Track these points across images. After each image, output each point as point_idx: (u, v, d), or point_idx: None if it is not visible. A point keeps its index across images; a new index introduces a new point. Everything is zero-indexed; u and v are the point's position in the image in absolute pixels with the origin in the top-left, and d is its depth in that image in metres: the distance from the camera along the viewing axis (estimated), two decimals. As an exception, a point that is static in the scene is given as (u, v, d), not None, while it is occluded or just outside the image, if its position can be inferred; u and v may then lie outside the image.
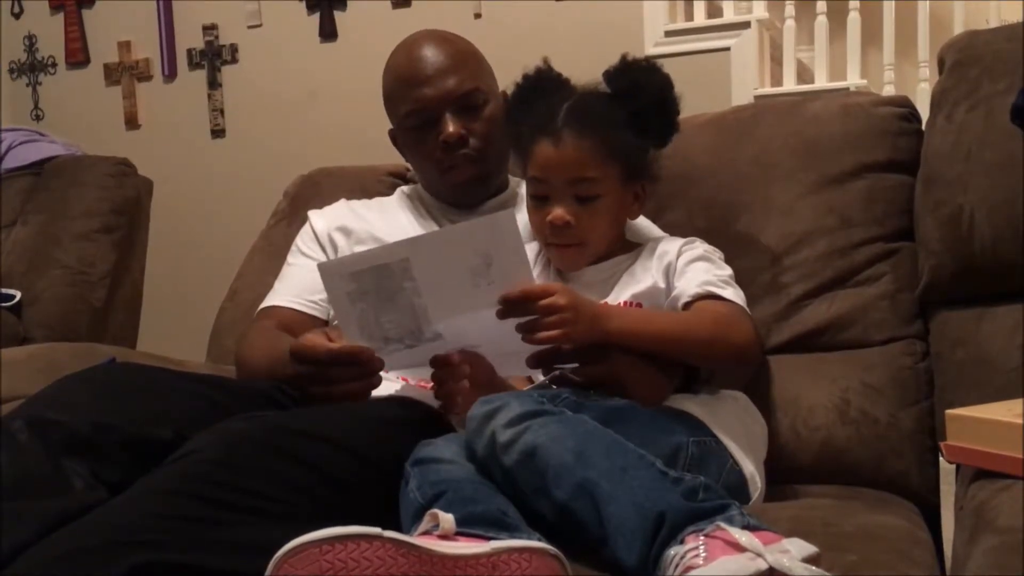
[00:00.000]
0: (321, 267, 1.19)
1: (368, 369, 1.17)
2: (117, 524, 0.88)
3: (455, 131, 1.43)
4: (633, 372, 1.13)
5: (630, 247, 1.34)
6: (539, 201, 1.28)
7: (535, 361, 1.13)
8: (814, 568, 0.80)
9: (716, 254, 1.31)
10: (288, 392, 1.25)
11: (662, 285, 1.26)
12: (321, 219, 1.56)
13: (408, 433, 1.10)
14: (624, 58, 1.30)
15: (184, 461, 0.96)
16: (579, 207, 1.25)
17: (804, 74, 3.63)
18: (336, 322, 1.29)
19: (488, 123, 1.46)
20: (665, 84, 1.29)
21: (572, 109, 1.25)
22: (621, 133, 1.25)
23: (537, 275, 1.34)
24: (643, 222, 1.45)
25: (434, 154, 1.46)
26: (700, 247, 1.30)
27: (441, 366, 1.17)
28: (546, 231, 1.28)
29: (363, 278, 1.14)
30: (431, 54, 1.46)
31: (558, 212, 1.25)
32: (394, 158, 1.66)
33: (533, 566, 0.85)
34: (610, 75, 1.29)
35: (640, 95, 1.26)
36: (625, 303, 1.26)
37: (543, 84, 1.32)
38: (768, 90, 3.39)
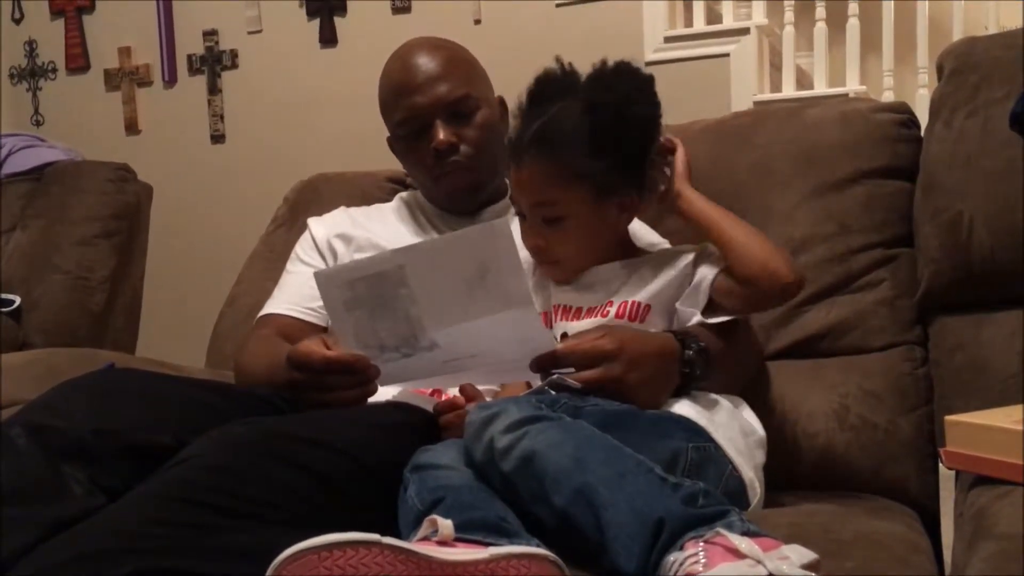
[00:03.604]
0: (317, 275, 1.19)
1: (364, 377, 1.17)
2: (116, 530, 0.88)
3: (445, 139, 1.43)
4: (630, 376, 1.12)
5: (637, 252, 1.34)
6: (520, 218, 1.30)
7: (537, 366, 1.13)
8: (813, 575, 0.80)
9: None
10: (287, 398, 1.25)
11: (675, 286, 1.25)
12: (321, 226, 1.56)
13: (406, 439, 1.10)
14: (600, 66, 1.26)
15: (183, 467, 0.96)
16: (547, 229, 1.26)
17: (803, 80, 3.64)
18: (333, 330, 1.29)
19: (480, 130, 1.46)
20: (632, 91, 1.23)
21: (537, 132, 1.23)
22: (590, 152, 1.21)
23: (536, 281, 1.35)
24: (641, 229, 1.44)
25: (427, 162, 1.46)
26: (715, 250, 1.29)
27: (447, 410, 1.18)
28: (527, 249, 1.29)
29: (359, 286, 1.13)
30: (422, 62, 1.46)
31: (529, 237, 1.28)
32: (393, 163, 1.66)
33: (532, 572, 0.85)
34: (585, 85, 1.25)
35: (611, 105, 1.21)
36: (634, 303, 1.25)
37: (546, 91, 1.28)
38: (767, 96, 3.40)
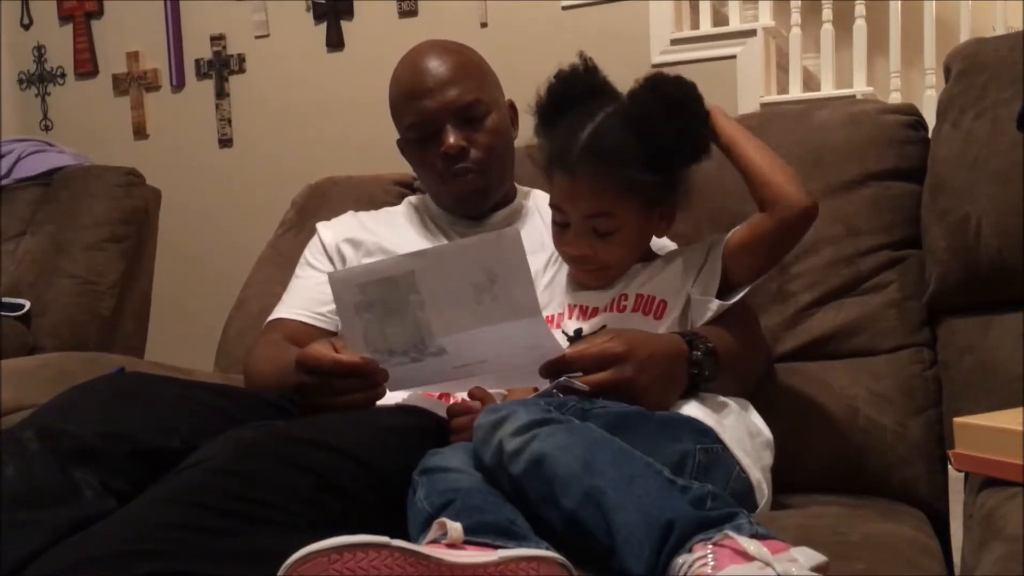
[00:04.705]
0: (331, 277, 1.19)
1: (373, 380, 1.18)
2: (126, 533, 0.88)
3: (455, 143, 1.44)
4: (640, 377, 1.13)
5: (655, 255, 1.34)
6: (561, 228, 1.28)
7: (546, 370, 1.13)
8: (822, 577, 0.80)
9: None
10: (296, 401, 1.26)
11: (690, 275, 1.25)
12: (329, 231, 1.57)
13: (415, 442, 1.10)
14: (648, 79, 1.24)
15: (193, 470, 0.96)
16: (597, 240, 1.25)
17: (810, 82, 3.64)
18: (343, 333, 1.29)
19: (490, 134, 1.46)
20: (681, 104, 1.22)
21: (589, 140, 1.21)
22: (641, 163, 1.21)
23: (549, 281, 1.35)
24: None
25: (436, 166, 1.47)
26: (721, 235, 1.29)
27: (460, 413, 1.18)
28: (568, 258, 1.29)
29: (370, 290, 1.14)
30: (432, 66, 1.46)
31: (574, 246, 1.26)
32: (401, 167, 1.67)
33: (541, 575, 0.85)
34: (633, 98, 1.23)
35: (662, 120, 1.20)
36: (650, 297, 1.26)
37: (572, 91, 1.26)
38: (774, 98, 3.39)
